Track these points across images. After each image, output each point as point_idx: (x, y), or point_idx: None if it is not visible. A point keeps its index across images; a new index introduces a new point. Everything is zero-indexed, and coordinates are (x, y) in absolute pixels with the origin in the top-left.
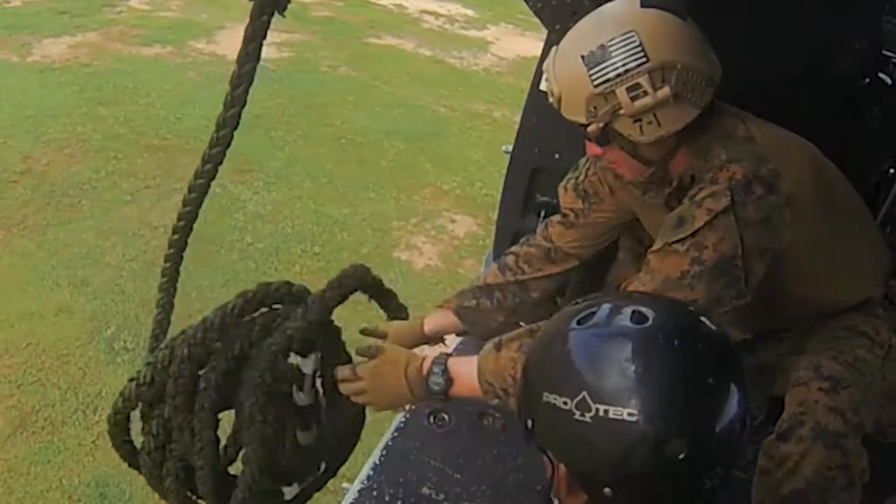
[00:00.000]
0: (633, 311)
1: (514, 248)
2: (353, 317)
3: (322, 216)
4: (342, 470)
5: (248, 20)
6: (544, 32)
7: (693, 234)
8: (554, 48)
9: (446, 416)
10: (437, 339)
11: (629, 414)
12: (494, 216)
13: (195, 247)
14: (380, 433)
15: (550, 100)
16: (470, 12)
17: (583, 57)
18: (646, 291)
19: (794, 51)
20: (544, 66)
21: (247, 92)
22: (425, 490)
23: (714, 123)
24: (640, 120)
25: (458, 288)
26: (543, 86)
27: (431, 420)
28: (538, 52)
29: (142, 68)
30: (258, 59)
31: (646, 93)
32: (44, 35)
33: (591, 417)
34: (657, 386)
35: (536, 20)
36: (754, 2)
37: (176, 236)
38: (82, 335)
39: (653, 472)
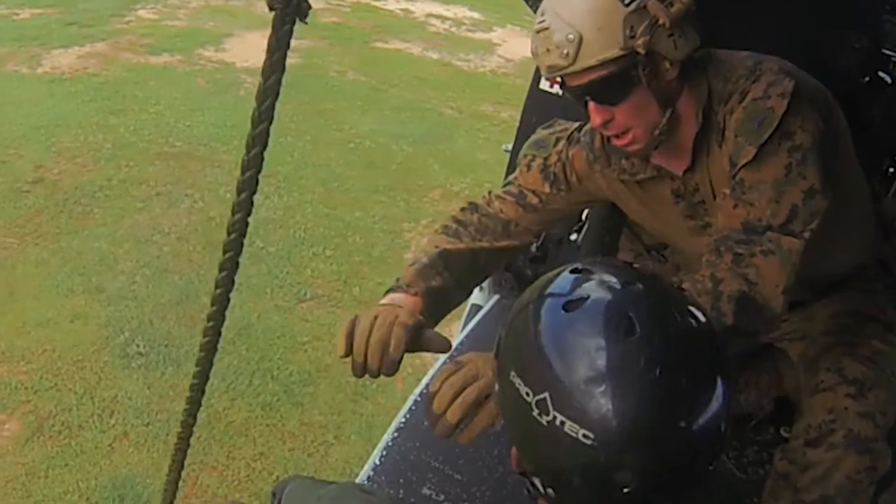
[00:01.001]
0: (624, 317)
1: (459, 216)
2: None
3: (333, 219)
4: (342, 468)
5: (270, 30)
6: None
7: (779, 125)
8: (546, 6)
9: None
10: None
11: (584, 436)
12: None
13: (207, 252)
14: (381, 433)
15: (561, 54)
16: (476, 15)
17: None
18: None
19: (794, 50)
20: (540, 27)
21: (273, 106)
22: (425, 490)
23: (706, 52)
24: (673, 34)
25: None
26: (545, 54)
27: None
28: None
29: (151, 77)
30: (283, 70)
31: (673, 3)
32: (53, 46)
33: (547, 421)
34: (623, 417)
35: None
36: (754, 1)
37: (221, 285)
38: (97, 341)
39: (595, 493)
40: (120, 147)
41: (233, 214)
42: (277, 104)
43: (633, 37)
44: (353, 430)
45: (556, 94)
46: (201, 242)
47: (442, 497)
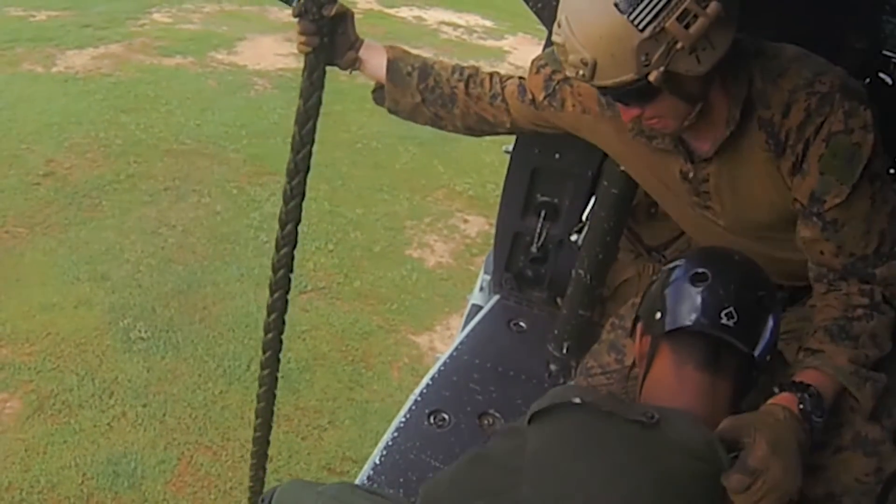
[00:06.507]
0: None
1: (474, 67)
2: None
3: (336, 216)
4: (335, 452)
5: (283, 35)
6: None
7: (870, 160)
8: (562, 17)
9: (446, 416)
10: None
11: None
12: None
13: (211, 244)
14: (375, 419)
15: (577, 74)
16: (488, 23)
17: (616, 5)
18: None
19: None
20: (557, 40)
21: (315, 128)
22: None
23: (746, 44)
24: (695, 49)
25: (468, 284)
26: (564, 63)
27: (431, 420)
28: None
29: (163, 78)
30: (322, 87)
31: (697, 16)
32: (68, 47)
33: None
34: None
35: None
36: (754, 2)
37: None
38: (100, 325)
39: None
40: (130, 144)
41: (278, 249)
42: (287, 105)
43: (647, 64)
44: (348, 416)
45: None
46: (206, 235)
47: None
